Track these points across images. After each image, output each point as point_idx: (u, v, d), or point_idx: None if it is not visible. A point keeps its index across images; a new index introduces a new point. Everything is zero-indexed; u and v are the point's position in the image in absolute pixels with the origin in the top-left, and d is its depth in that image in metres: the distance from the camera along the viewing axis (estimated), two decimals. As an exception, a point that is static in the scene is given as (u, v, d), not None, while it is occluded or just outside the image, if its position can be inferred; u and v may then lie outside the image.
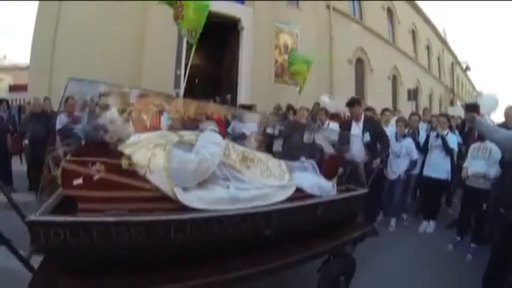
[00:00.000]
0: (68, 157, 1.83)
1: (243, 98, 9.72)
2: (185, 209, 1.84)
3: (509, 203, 2.53)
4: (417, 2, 20.17)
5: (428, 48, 22.47)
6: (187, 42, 6.77)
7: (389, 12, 17.89)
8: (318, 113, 5.63)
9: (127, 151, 1.89)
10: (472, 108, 3.80)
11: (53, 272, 1.70)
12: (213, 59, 11.77)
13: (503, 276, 2.58)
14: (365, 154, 3.37)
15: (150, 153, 1.87)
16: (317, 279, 2.61)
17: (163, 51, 8.35)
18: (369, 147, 4.02)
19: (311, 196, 2.46)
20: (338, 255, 2.72)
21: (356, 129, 4.21)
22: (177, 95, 7.71)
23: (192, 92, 10.23)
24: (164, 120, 3.78)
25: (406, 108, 13.08)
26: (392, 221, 4.69)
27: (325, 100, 8.26)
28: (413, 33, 20.36)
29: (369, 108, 5.34)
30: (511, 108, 3.95)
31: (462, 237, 4.02)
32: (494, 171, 3.51)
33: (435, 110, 16.51)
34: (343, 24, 14.38)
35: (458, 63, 27.57)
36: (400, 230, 4.61)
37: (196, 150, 2.06)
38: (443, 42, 25.06)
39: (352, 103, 4.42)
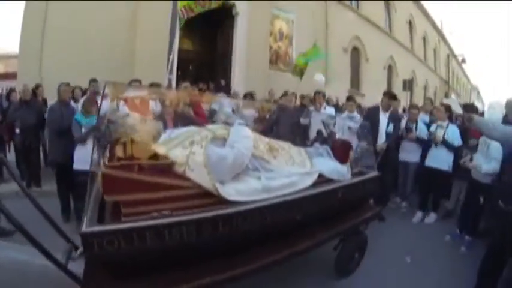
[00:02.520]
0: (107, 163, 1.81)
1: (237, 83, 9.64)
2: (223, 202, 1.90)
3: (508, 196, 2.49)
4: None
5: (424, 39, 22.44)
6: (180, 29, 6.66)
7: (386, 1, 17.74)
8: (315, 97, 5.64)
9: (161, 150, 1.90)
10: (470, 108, 3.82)
11: (101, 278, 1.70)
12: (207, 44, 11.61)
13: (498, 271, 2.59)
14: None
15: (187, 151, 1.91)
16: (334, 257, 2.85)
17: (155, 38, 8.19)
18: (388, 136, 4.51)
19: (330, 180, 2.59)
20: (353, 233, 2.94)
21: (383, 117, 4.56)
22: (170, 81, 7.62)
23: (185, 77, 10.13)
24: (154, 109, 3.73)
25: (400, 98, 13.10)
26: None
27: (319, 79, 8.14)
28: (410, 23, 20.30)
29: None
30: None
31: (462, 231, 3.91)
32: (488, 167, 3.37)
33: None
34: (339, 12, 14.24)
35: (454, 55, 27.56)
36: (397, 218, 4.61)
37: (230, 145, 2.13)
38: (440, 33, 25.00)
39: (390, 95, 4.82)
